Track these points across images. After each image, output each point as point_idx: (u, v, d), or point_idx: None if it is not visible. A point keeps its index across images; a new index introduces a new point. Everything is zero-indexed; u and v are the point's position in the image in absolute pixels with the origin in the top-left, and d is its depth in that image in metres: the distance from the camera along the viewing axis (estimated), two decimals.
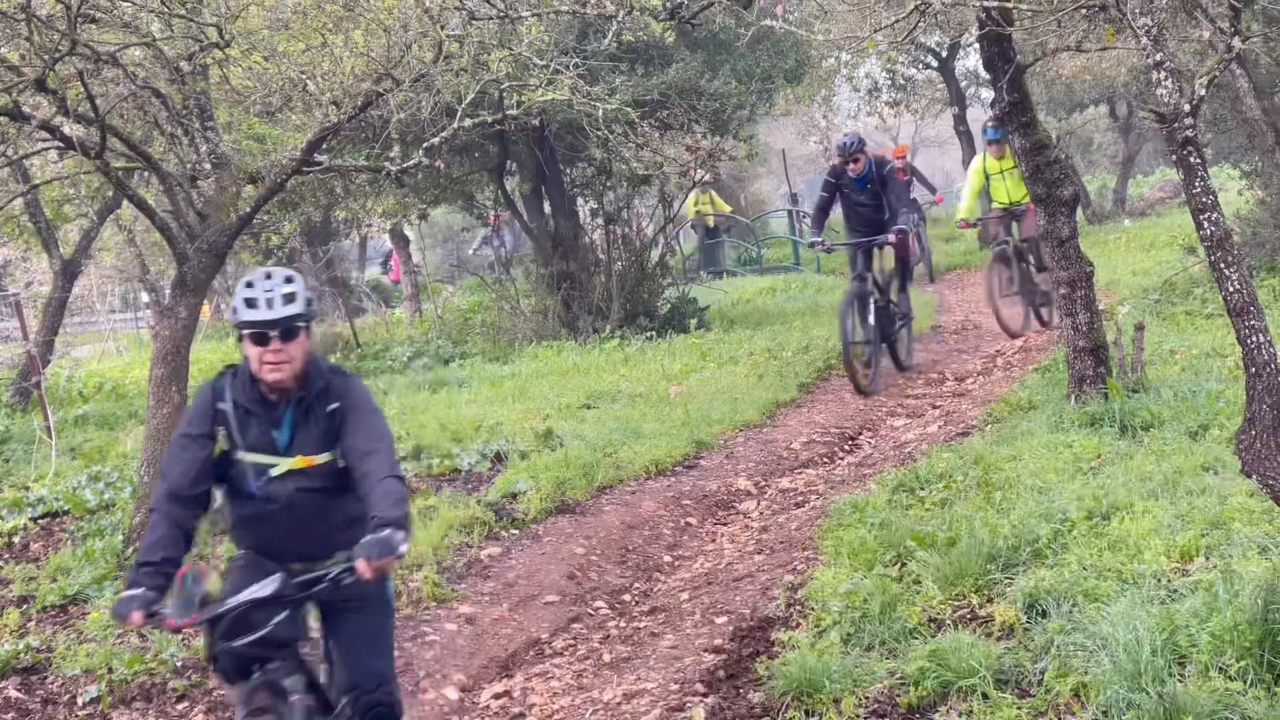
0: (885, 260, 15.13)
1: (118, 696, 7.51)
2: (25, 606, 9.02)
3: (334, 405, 5.40)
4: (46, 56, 9.01)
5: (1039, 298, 16.77)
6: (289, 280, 5.36)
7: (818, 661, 6.21)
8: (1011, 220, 16.79)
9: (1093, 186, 35.21)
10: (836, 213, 15.62)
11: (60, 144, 10.12)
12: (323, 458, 5.39)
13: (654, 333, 19.05)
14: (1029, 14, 8.95)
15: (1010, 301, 16.87)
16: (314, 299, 5.48)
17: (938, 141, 51.54)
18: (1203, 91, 6.47)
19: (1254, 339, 5.74)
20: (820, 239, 15.32)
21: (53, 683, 7.80)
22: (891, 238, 14.45)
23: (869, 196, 14.72)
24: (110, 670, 7.68)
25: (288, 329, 5.28)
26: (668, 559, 9.63)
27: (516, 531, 9.96)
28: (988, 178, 17.20)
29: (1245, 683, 5.09)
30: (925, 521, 7.99)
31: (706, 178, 25.12)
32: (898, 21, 9.33)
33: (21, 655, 8.01)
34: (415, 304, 28.34)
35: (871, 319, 14.45)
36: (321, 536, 5.40)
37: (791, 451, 12.08)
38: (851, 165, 14.66)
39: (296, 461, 5.36)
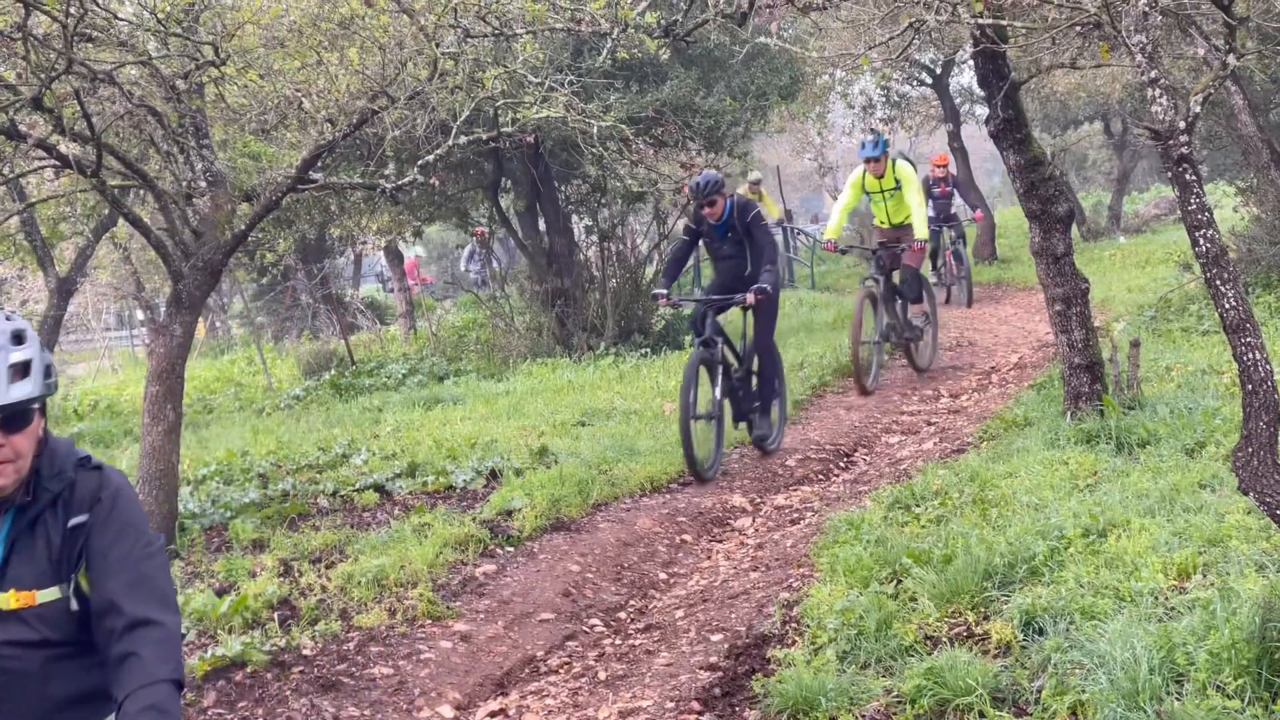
0: (747, 325, 12.62)
1: None
2: None
3: (79, 519, 3.67)
4: (43, 75, 9.01)
5: (911, 332, 16.07)
6: (18, 339, 3.63)
7: (814, 679, 6.20)
8: (892, 253, 15.95)
9: (1088, 203, 35.33)
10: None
11: (56, 162, 10.12)
12: (47, 594, 3.65)
13: (648, 350, 19.06)
14: (1023, 31, 8.97)
15: (869, 350, 15.82)
16: (52, 364, 3.78)
17: (929, 160, 51.59)
18: (1198, 108, 6.48)
19: (1250, 356, 5.75)
20: (664, 293, 12.66)
21: None
22: (750, 298, 11.95)
23: (731, 246, 12.36)
24: None
25: (14, 415, 3.58)
26: (663, 576, 9.62)
27: (511, 549, 9.95)
28: (867, 195, 16.47)
29: (1243, 701, 5.08)
30: (921, 539, 7.98)
31: (755, 176, 24.95)
32: (892, 39, 9.34)
33: None
34: (410, 321, 28.35)
35: (718, 392, 12.02)
36: (39, 715, 3.69)
37: (787, 469, 12.08)
38: (707, 209, 12.16)
39: (7, 599, 3.61)
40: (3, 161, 10.99)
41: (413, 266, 30.41)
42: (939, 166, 25.15)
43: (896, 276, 15.83)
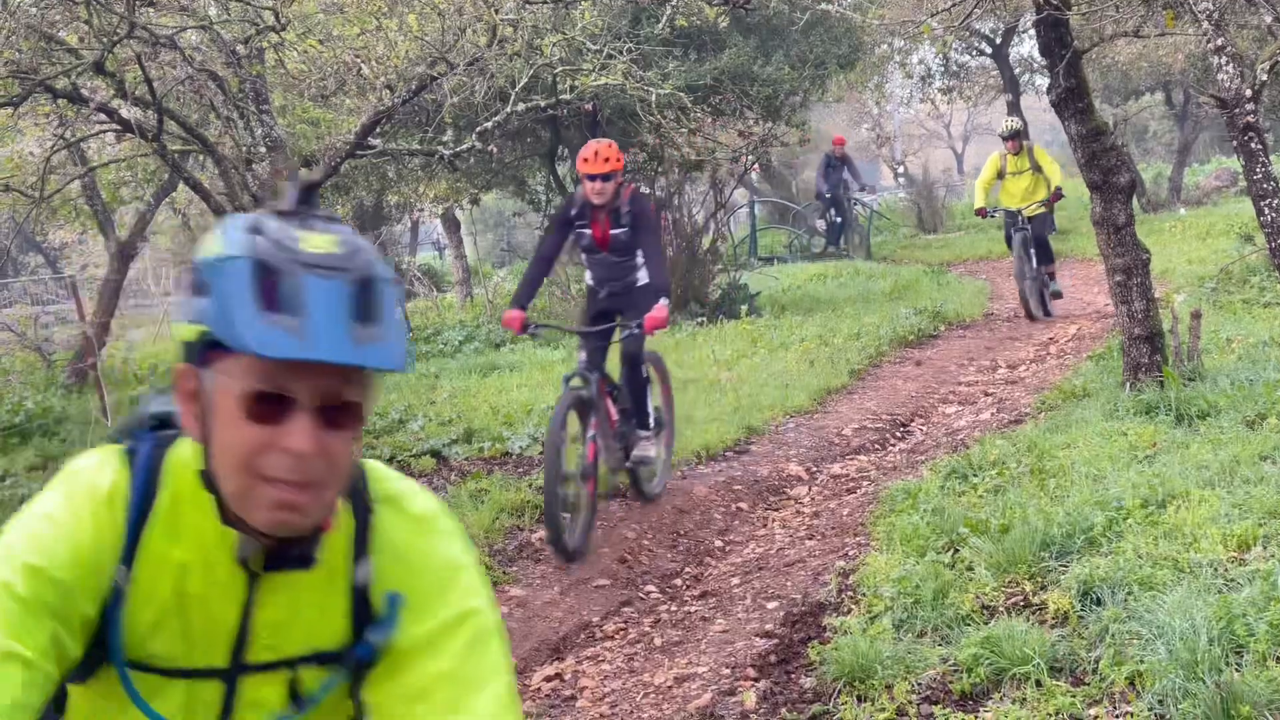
0: None
1: None
2: None
3: None
4: (105, 39, 9.08)
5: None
6: None
7: (870, 647, 6.19)
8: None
9: (1148, 175, 34.97)
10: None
11: (118, 126, 10.22)
12: None
13: (705, 318, 19.04)
14: None
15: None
16: None
17: (990, 129, 51.28)
18: (1264, 77, 6.42)
19: None
20: None
21: None
22: None
23: None
24: None
25: None
26: (719, 544, 9.62)
27: (567, 515, 9.98)
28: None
29: None
30: (978, 508, 7.95)
31: (1014, 122, 18.60)
32: (953, 6, 9.30)
33: None
34: (466, 288, 28.41)
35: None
36: None
37: (843, 438, 12.05)
38: None
39: None
40: (65, 125, 11.08)
41: None
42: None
43: None
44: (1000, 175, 17.65)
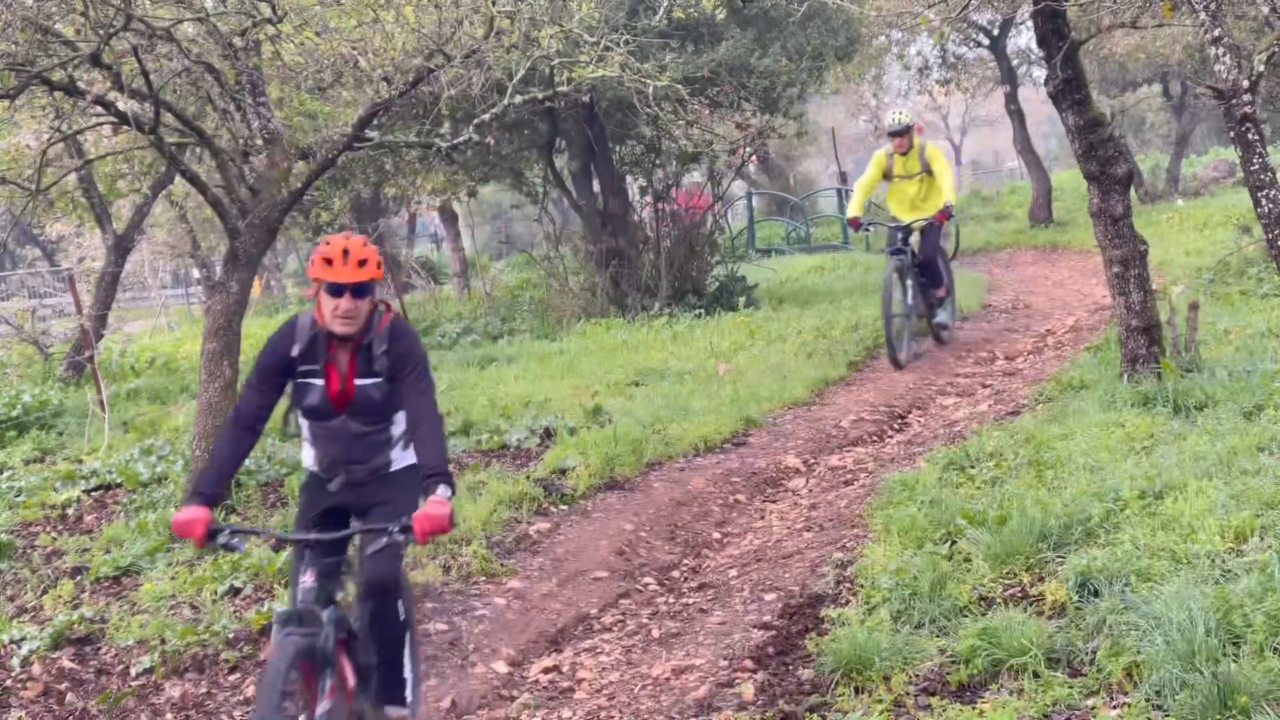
0: None
1: (170, 667, 7.55)
2: (79, 578, 9.11)
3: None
4: (102, 32, 9.07)
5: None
6: None
7: (868, 639, 6.19)
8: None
9: (1145, 166, 34.97)
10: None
11: (115, 119, 10.20)
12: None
13: (702, 310, 19.04)
14: None
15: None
16: None
17: (989, 120, 51.34)
18: (1261, 68, 6.41)
19: None
20: None
21: (106, 653, 7.86)
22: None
23: None
24: (163, 641, 7.73)
25: None
26: (716, 536, 9.62)
27: (565, 507, 9.98)
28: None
29: None
30: (976, 500, 7.95)
31: (901, 114, 15.19)
32: None
33: (75, 626, 8.07)
34: (464, 281, 28.41)
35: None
36: None
37: (840, 429, 12.05)
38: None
39: None
40: (61, 118, 11.07)
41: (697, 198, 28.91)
42: None
43: None
44: (887, 176, 14.96)
